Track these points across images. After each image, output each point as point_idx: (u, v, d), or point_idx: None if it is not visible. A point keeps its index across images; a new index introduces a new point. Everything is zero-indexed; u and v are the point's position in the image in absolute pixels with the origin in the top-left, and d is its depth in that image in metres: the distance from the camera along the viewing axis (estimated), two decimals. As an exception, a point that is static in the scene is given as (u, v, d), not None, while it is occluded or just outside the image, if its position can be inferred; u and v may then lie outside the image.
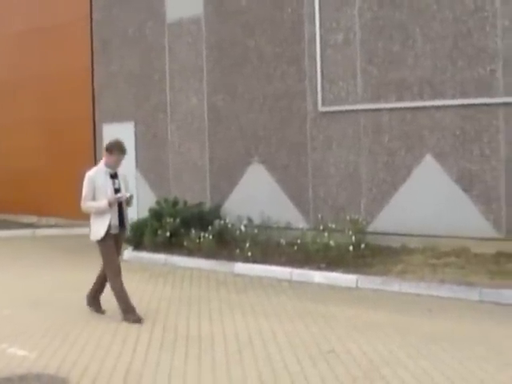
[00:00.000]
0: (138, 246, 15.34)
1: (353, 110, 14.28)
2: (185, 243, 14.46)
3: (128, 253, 15.02)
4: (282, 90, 15.26)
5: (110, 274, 9.50)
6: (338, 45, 14.48)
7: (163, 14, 17.70)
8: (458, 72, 12.97)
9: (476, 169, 12.68)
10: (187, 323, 9.26)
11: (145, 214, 15.79)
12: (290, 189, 15.20)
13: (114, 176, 9.58)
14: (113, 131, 18.52)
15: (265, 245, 14.00)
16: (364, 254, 12.81)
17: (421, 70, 13.38)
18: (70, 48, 20.72)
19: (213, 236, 14.30)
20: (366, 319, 9.33)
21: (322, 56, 14.64)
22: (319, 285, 11.82)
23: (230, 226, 14.72)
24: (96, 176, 9.45)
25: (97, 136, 19.68)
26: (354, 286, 11.54)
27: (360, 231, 13.37)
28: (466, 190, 12.74)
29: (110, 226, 9.38)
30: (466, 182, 12.78)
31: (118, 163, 9.57)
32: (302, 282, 12.01)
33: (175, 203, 15.69)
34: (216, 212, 15.95)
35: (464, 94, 12.93)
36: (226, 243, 14.36)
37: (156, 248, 14.85)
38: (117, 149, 9.51)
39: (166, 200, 15.74)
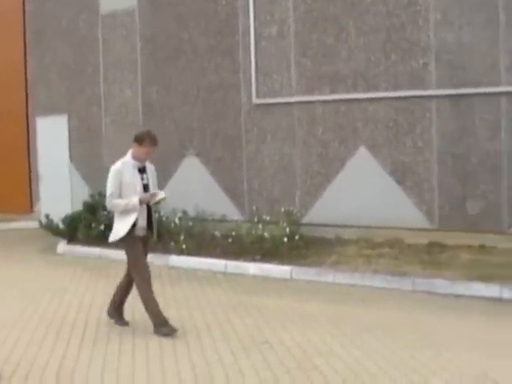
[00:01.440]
0: (72, 239, 15.04)
1: (287, 103, 14.16)
2: (119, 236, 14.15)
3: (62, 246, 14.72)
4: (216, 83, 15.05)
5: (137, 280, 8.28)
6: (272, 37, 14.32)
7: (97, 5, 17.33)
8: (392, 65, 12.94)
9: (409, 160, 12.67)
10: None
11: (79, 207, 15.48)
12: (225, 181, 15.02)
13: (142, 170, 8.32)
14: (46, 124, 18.18)
15: (200, 237, 13.81)
16: (298, 245, 12.73)
17: (354, 62, 13.32)
18: (2, 40, 20.14)
19: (147, 229, 14.01)
20: (300, 310, 9.23)
21: (256, 48, 14.48)
22: (254, 276, 11.70)
23: (164, 218, 14.48)
24: (123, 170, 8.16)
25: (30, 129, 19.20)
26: (288, 277, 11.46)
27: (294, 223, 13.30)
28: (399, 182, 12.73)
29: (134, 227, 8.17)
30: (400, 173, 12.76)
31: (148, 156, 8.33)
32: (237, 274, 11.88)
33: (109, 196, 15.36)
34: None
35: (397, 87, 12.92)
36: (161, 236, 14.11)
37: (90, 241, 14.55)
38: (148, 139, 8.26)
39: (99, 193, 15.42)
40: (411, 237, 12.35)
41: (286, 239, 12.64)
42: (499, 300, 9.63)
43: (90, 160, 17.51)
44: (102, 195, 15.02)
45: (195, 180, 15.31)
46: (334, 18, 13.51)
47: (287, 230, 12.87)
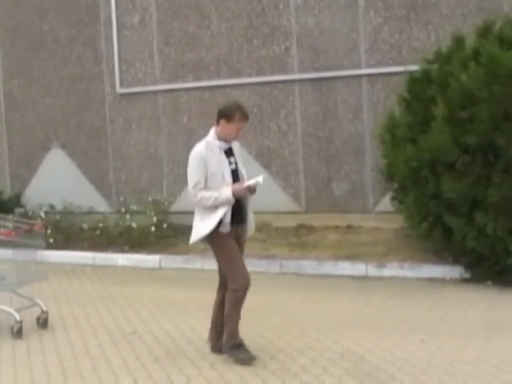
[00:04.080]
0: None
1: (151, 91, 13.61)
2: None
3: None
4: (78, 73, 14.29)
5: (232, 282, 6.29)
6: (134, 26, 13.71)
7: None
8: (254, 50, 12.61)
9: (274, 145, 12.42)
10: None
11: None
12: (91, 173, 14.30)
13: (228, 153, 6.35)
14: None
15: (67, 231, 13.15)
16: (167, 234, 12.33)
17: (217, 49, 12.91)
18: None
19: (12, 224, 13.24)
20: (169, 298, 8.84)
21: (118, 38, 13.80)
22: (123, 267, 11.27)
23: (30, 213, 13.70)
24: (208, 155, 6.15)
25: None
26: (157, 266, 11.13)
27: (162, 212, 12.82)
28: (265, 166, 12.41)
29: (220, 223, 6.20)
30: (265, 158, 12.49)
31: (237, 134, 6.37)
32: (106, 266, 11.40)
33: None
34: (16, 200, 14.85)
35: (260, 72, 12.61)
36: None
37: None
38: (239, 113, 6.25)
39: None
40: (279, 220, 12.10)
41: (153, 228, 12.26)
42: (365, 278, 9.63)
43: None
44: None
45: (61, 173, 14.53)
46: (196, 5, 13.05)
47: (155, 219, 12.43)
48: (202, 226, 6.24)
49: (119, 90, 13.86)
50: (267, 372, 5.89)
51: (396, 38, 11.64)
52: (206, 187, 6.13)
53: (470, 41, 9.31)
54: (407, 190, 9.53)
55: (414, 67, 10.01)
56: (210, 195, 6.09)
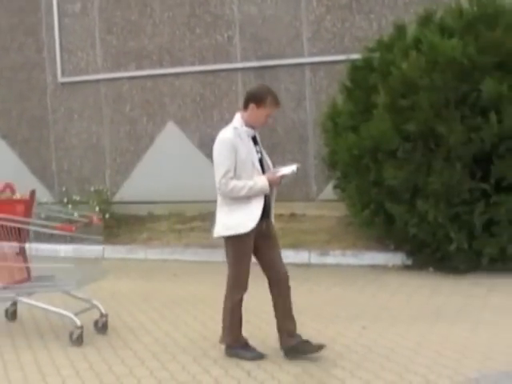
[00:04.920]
0: None
1: (93, 80, 13.30)
2: None
3: None
4: (20, 62, 13.91)
5: (233, 285, 5.83)
6: (75, 14, 13.39)
7: None
8: (197, 39, 12.43)
9: (217, 133, 12.10)
10: None
11: None
12: (33, 163, 13.95)
13: (255, 140, 5.86)
14: None
15: (9, 222, 12.80)
16: (110, 224, 11.96)
17: (159, 38, 12.69)
18: None
19: None
20: (111, 288, 8.56)
21: (59, 26, 13.45)
22: (65, 258, 10.90)
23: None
24: (237, 141, 5.64)
25: None
26: (100, 256, 10.80)
27: (105, 202, 12.55)
28: (208, 155, 12.24)
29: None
30: (209, 147, 12.10)
31: (266, 121, 5.83)
32: (48, 257, 11.02)
33: None
34: (-45, 191, 14.45)
35: (203, 61, 12.43)
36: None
37: None
38: (271, 98, 5.72)
39: None
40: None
41: (96, 219, 11.91)
42: (308, 265, 9.62)
43: None
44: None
45: (2, 163, 14.13)
46: (138, -7, 12.84)
47: (97, 209, 12.11)
48: (240, 219, 5.63)
49: (61, 79, 13.53)
50: (209, 361, 5.78)
51: (338, 27, 11.57)
52: (235, 176, 5.59)
53: (412, 29, 9.33)
54: (349, 177, 9.51)
55: (356, 56, 9.98)
56: (243, 184, 5.57)
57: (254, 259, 5.82)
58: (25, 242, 6.84)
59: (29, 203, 6.99)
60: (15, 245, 6.69)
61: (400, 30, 9.45)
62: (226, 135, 5.66)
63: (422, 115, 8.48)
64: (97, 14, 13.21)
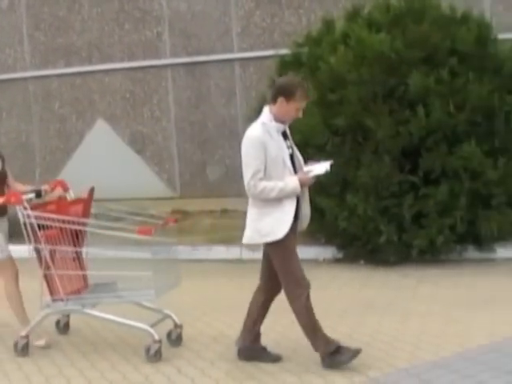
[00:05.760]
0: None
1: (21, 78, 13.11)
2: None
3: None
4: None
5: (292, 288, 5.34)
6: (2, 10, 13.16)
7: None
8: (126, 35, 12.34)
9: (147, 130, 12.21)
10: None
11: None
12: (-39, 163, 13.61)
13: (285, 136, 5.40)
14: None
15: None
16: (40, 223, 11.73)
17: (88, 34, 12.55)
18: None
19: None
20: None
21: (-15, 23, 13.22)
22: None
23: None
24: (266, 138, 5.16)
25: None
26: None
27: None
28: (139, 152, 12.13)
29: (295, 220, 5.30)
30: (139, 144, 12.25)
31: (297, 115, 5.33)
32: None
33: None
34: None
35: (132, 57, 12.36)
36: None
37: None
38: (301, 91, 5.25)
39: None
40: (154, 206, 11.73)
41: (26, 218, 11.64)
42: (240, 261, 9.52)
43: None
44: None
45: None
46: (66, -11, 12.62)
47: (27, 208, 11.85)
48: (273, 225, 5.21)
49: (-12, 77, 13.27)
50: (139, 359, 5.64)
51: (268, 22, 11.54)
52: (265, 176, 5.14)
53: (340, 24, 9.31)
54: (280, 172, 9.43)
55: (285, 51, 9.91)
56: (273, 185, 5.11)
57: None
58: (81, 246, 6.15)
59: (87, 203, 6.38)
60: (74, 249, 6.01)
61: (328, 24, 9.42)
62: (253, 133, 5.20)
63: (351, 109, 8.46)
64: (24, 10, 12.97)
